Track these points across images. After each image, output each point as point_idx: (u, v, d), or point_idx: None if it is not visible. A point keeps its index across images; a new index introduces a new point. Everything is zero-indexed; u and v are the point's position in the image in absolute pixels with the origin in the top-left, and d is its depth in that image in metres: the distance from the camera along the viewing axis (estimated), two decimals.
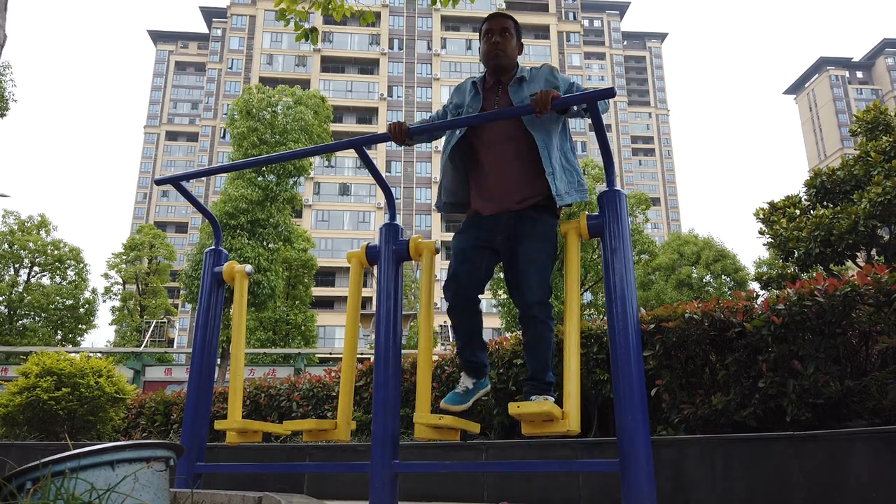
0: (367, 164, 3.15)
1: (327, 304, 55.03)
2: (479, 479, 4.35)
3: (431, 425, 2.72)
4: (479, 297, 2.94)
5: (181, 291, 23.28)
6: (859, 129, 12.35)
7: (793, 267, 11.14)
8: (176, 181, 3.52)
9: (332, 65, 66.25)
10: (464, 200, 3.06)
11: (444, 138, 3.06)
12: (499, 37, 2.90)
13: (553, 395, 2.81)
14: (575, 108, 2.67)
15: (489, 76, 3.01)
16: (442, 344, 35.74)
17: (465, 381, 2.95)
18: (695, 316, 4.03)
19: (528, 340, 2.84)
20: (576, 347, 2.62)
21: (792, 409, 3.52)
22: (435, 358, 5.70)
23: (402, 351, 3.22)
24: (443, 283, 2.91)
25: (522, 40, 3.06)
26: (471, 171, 3.00)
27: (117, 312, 37.29)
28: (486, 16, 3.01)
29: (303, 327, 29.96)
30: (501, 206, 2.87)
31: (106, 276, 37.56)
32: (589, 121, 2.90)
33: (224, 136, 64.18)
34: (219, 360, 20.33)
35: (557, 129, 2.87)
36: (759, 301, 4.06)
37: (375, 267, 3.16)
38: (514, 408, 2.46)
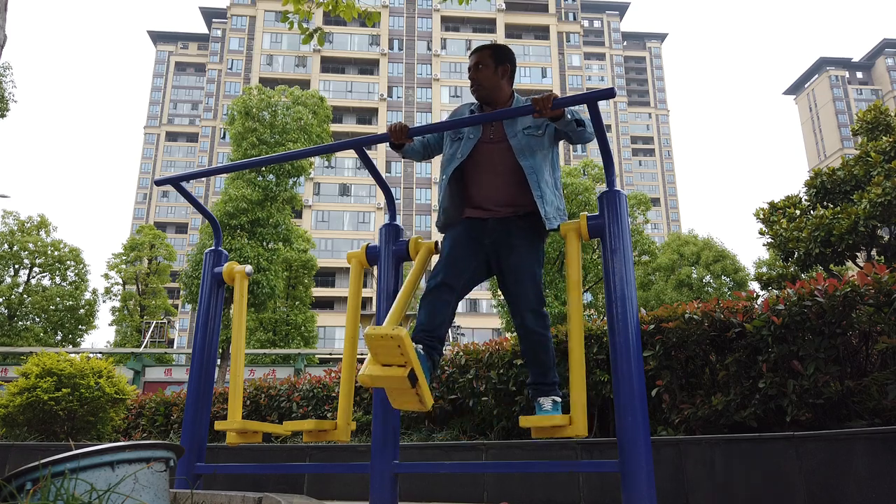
0: (367, 164, 3.16)
1: (327, 304, 55.02)
2: (479, 479, 4.35)
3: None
4: (459, 290, 2.81)
5: (181, 292, 23.26)
6: (860, 129, 12.35)
7: (793, 267, 11.13)
8: (176, 182, 3.52)
9: (331, 65, 66.24)
10: (454, 218, 3.11)
11: (441, 163, 3.11)
12: (473, 72, 3.00)
13: (559, 394, 2.85)
14: (569, 116, 2.71)
15: (485, 107, 3.05)
16: None
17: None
18: (695, 316, 4.03)
19: (524, 350, 2.88)
20: (579, 356, 2.64)
21: (792, 410, 3.52)
22: None
23: None
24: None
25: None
26: (464, 192, 3.07)
27: (117, 313, 37.26)
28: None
29: (303, 328, 29.93)
30: (488, 215, 2.95)
31: (106, 276, 37.52)
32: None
33: (224, 137, 64.19)
34: (219, 361, 20.34)
35: (548, 158, 2.93)
36: (759, 301, 4.06)
37: (375, 267, 3.17)
38: (524, 421, 2.56)
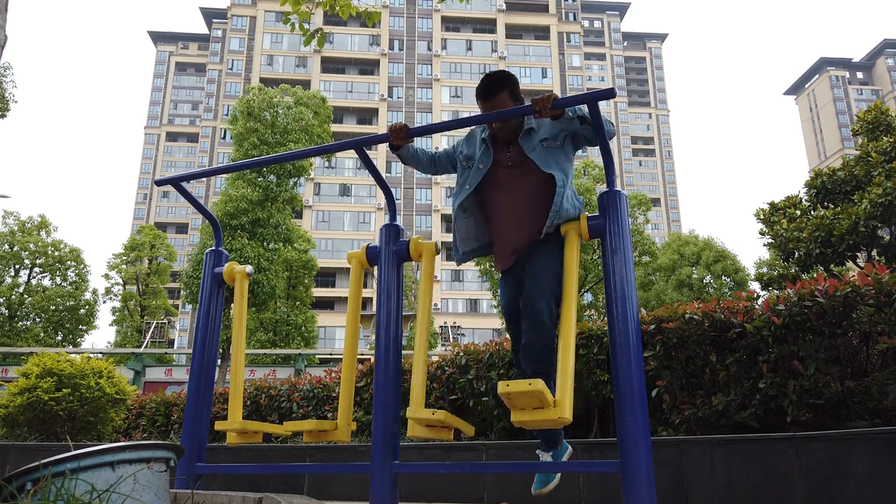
0: (368, 164, 3.15)
1: (328, 304, 55.01)
2: (479, 479, 4.35)
3: (424, 420, 2.66)
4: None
5: (182, 292, 23.25)
6: (860, 130, 12.35)
7: (793, 267, 11.13)
8: (176, 182, 3.52)
9: (332, 65, 66.24)
10: (481, 244, 3.07)
11: (453, 195, 3.06)
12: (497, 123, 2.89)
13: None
14: (570, 114, 2.69)
15: (499, 135, 2.97)
16: (442, 344, 35.74)
17: (543, 457, 2.92)
18: (695, 316, 4.03)
19: (525, 342, 2.74)
20: (571, 336, 2.57)
21: (792, 410, 3.52)
22: (435, 358, 5.70)
23: (403, 352, 3.22)
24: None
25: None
26: (485, 220, 3.02)
27: (118, 313, 37.27)
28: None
29: (303, 328, 29.92)
30: (517, 250, 2.93)
31: (106, 276, 37.53)
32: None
33: (224, 137, 64.23)
34: (219, 361, 20.33)
35: (570, 170, 2.88)
36: (759, 302, 4.06)
37: (376, 267, 3.17)
38: (503, 386, 2.33)
